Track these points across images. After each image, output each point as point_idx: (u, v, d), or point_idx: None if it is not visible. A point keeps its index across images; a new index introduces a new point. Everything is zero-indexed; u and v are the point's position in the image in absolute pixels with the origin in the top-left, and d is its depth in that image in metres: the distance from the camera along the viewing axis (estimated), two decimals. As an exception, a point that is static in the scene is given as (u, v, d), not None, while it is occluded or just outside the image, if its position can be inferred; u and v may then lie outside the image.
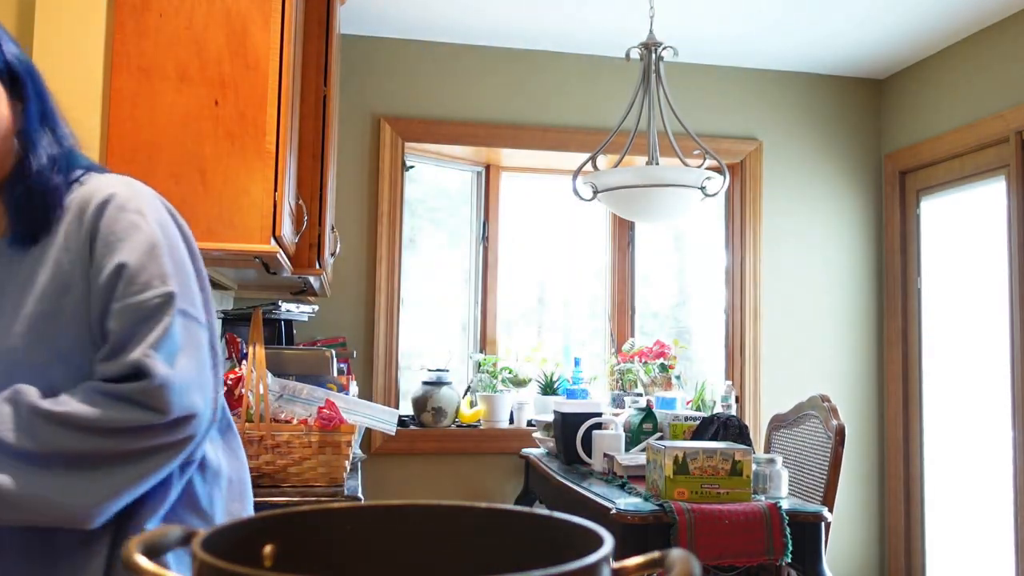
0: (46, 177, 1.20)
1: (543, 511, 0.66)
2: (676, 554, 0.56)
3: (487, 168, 4.28)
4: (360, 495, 2.16)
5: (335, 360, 2.69)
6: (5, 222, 1.22)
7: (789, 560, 2.42)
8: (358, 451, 2.87)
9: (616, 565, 0.57)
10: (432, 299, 4.24)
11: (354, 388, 2.86)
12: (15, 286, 1.18)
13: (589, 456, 3.12)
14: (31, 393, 1.13)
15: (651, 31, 3.21)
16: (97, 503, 1.11)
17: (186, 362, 1.16)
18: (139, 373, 1.13)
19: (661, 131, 3.20)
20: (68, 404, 1.12)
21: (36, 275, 1.18)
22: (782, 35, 3.90)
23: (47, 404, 1.12)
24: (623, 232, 4.43)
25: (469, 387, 4.07)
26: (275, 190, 1.98)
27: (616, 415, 3.39)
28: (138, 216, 1.19)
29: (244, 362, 2.18)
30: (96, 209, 1.18)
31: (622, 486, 2.74)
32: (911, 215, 4.22)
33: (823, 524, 2.51)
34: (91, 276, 1.17)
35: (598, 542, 0.58)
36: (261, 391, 2.07)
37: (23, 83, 1.22)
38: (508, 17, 3.73)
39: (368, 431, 3.58)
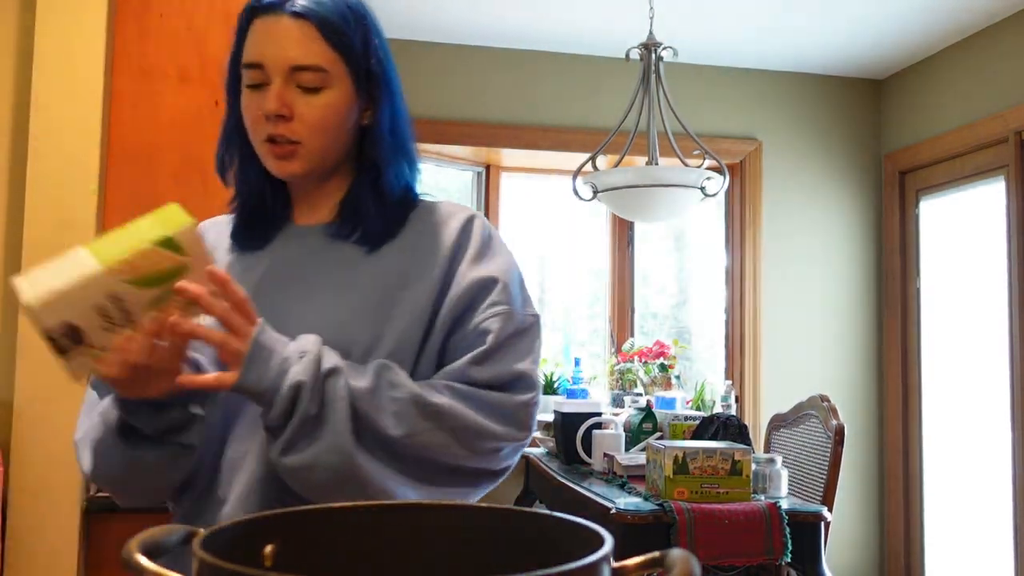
0: (391, 194, 1.18)
1: (543, 511, 0.67)
2: (676, 554, 0.56)
3: (487, 168, 4.28)
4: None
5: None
6: (324, 212, 1.20)
7: (789, 560, 2.42)
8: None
9: (616, 565, 0.57)
10: (432, 299, 4.24)
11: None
12: (339, 271, 1.15)
13: (589, 456, 3.12)
14: (402, 375, 1.07)
15: (651, 31, 3.22)
16: None
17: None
18: (516, 384, 1.11)
19: (661, 131, 3.20)
20: (446, 399, 1.06)
21: (369, 267, 1.15)
22: (782, 35, 3.90)
23: (426, 393, 1.06)
24: (623, 232, 4.43)
25: (469, 387, 4.06)
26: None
27: (616, 415, 3.39)
28: (505, 245, 1.21)
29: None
30: (464, 223, 1.18)
31: (622, 486, 2.74)
32: (910, 215, 4.22)
33: (823, 524, 2.51)
34: (451, 277, 1.14)
35: (598, 542, 0.58)
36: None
37: (379, 84, 1.19)
38: (508, 17, 3.73)
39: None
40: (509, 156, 4.20)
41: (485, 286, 1.14)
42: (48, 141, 2.09)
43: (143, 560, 0.55)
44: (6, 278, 2.13)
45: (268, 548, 0.65)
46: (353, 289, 1.14)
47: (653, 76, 3.18)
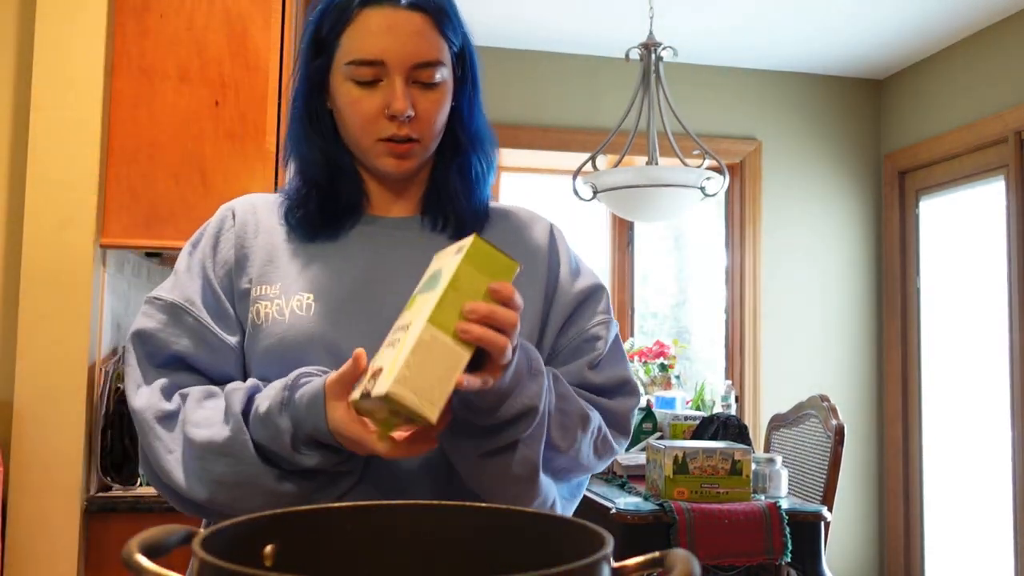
0: (476, 179, 1.16)
1: (543, 511, 0.66)
2: (676, 554, 0.56)
3: (487, 168, 4.28)
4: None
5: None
6: (409, 203, 1.16)
7: (789, 559, 2.42)
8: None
9: (616, 565, 0.57)
10: (432, 299, 4.24)
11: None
12: (428, 259, 1.10)
13: (589, 456, 3.12)
14: (568, 385, 1.06)
15: (651, 31, 3.22)
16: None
17: None
18: (623, 389, 1.14)
19: (661, 131, 3.20)
20: (592, 412, 1.08)
21: None
22: (782, 35, 3.90)
23: (585, 406, 1.07)
24: (623, 232, 4.43)
25: (469, 387, 4.06)
26: (275, 190, 1.98)
27: (616, 415, 3.39)
28: None
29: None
30: (551, 230, 1.20)
31: (622, 486, 2.74)
32: (910, 215, 4.22)
33: (822, 523, 2.51)
34: (554, 284, 1.15)
35: (598, 542, 0.58)
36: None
37: (469, 64, 1.15)
38: (508, 17, 3.73)
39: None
40: (509, 156, 4.20)
41: (591, 294, 1.17)
42: (48, 141, 2.09)
43: (143, 560, 0.55)
44: (6, 276, 2.13)
45: (268, 548, 0.65)
46: None
47: (653, 76, 3.18)
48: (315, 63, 1.09)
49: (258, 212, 1.15)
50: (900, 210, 4.24)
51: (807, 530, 2.48)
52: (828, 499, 3.01)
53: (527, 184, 4.40)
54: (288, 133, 1.16)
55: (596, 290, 1.18)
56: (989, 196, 3.79)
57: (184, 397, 1.04)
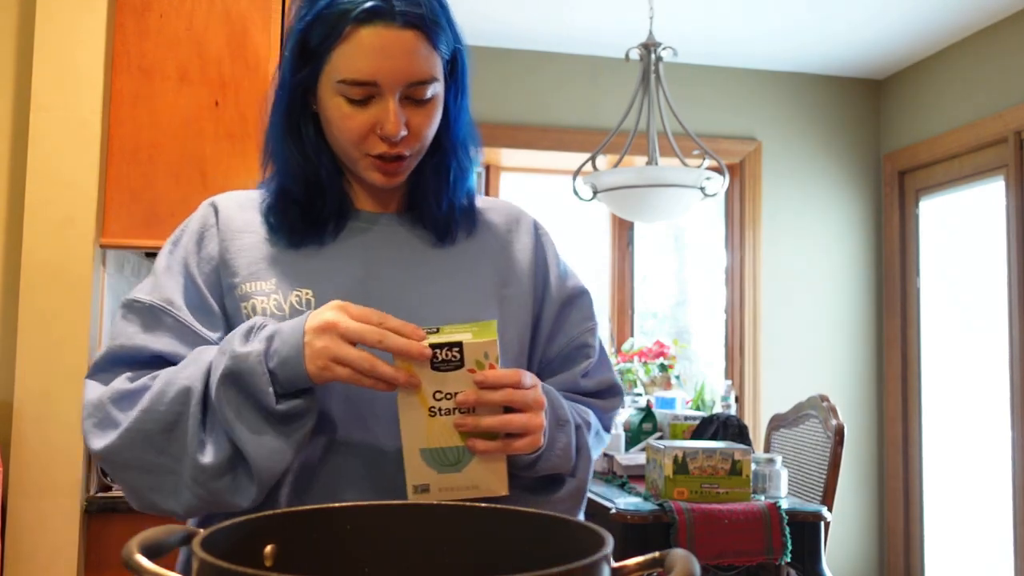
0: (459, 178, 1.15)
1: (543, 511, 0.66)
2: (676, 554, 0.56)
3: (487, 168, 4.28)
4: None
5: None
6: (393, 199, 1.16)
7: (788, 559, 2.42)
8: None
9: (616, 565, 0.57)
10: (432, 299, 4.24)
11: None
12: (439, 266, 1.12)
13: (589, 456, 3.12)
14: (564, 402, 1.11)
15: (651, 31, 3.22)
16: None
17: None
18: (610, 391, 1.23)
19: (661, 131, 3.20)
20: (586, 414, 1.16)
21: (466, 261, 1.13)
22: (782, 35, 3.90)
23: (585, 414, 1.15)
24: (623, 232, 4.43)
25: (469, 387, 4.06)
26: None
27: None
28: None
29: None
30: (536, 227, 1.23)
31: (622, 486, 2.74)
32: (910, 215, 4.22)
33: (822, 523, 2.51)
34: (543, 285, 1.18)
35: (598, 542, 0.58)
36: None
37: (459, 66, 1.12)
38: (509, 17, 3.73)
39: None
40: (509, 156, 4.20)
41: (577, 298, 1.21)
42: (48, 141, 2.09)
43: (143, 560, 0.55)
44: (6, 276, 2.13)
45: (268, 548, 0.65)
46: (462, 288, 1.11)
47: (653, 76, 3.18)
48: (301, 74, 1.06)
49: (242, 209, 1.14)
50: (900, 210, 4.24)
51: (807, 530, 2.48)
52: (828, 499, 3.01)
53: (527, 184, 4.40)
54: (267, 135, 1.14)
55: (582, 294, 1.22)
56: (989, 196, 3.79)
57: (155, 377, 1.00)
